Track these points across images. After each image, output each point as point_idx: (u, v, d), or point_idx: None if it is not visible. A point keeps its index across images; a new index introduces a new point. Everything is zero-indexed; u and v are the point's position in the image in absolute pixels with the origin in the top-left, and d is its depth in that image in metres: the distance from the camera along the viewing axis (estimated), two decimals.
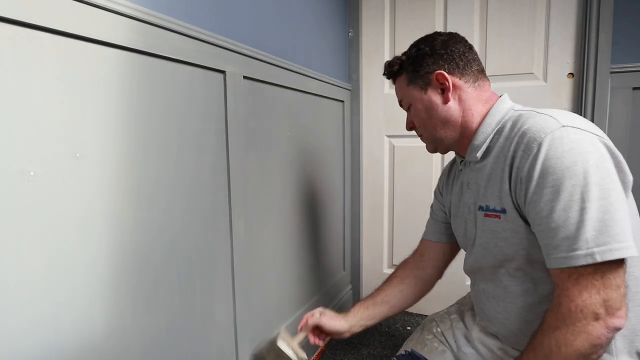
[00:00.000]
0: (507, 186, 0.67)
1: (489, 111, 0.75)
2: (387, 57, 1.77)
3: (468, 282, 0.92)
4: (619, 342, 0.66)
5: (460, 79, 0.76)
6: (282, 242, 1.28)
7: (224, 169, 0.97)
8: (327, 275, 1.67)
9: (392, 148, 1.83)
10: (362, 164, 1.88)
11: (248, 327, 1.08)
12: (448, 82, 0.75)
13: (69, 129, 0.61)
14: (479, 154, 0.74)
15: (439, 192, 1.00)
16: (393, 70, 0.84)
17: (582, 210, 0.56)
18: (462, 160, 0.83)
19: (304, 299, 1.46)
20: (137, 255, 0.74)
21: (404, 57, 0.82)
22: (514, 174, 0.65)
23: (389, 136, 1.83)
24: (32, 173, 0.56)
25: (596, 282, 0.56)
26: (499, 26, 1.58)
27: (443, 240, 0.97)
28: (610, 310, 0.56)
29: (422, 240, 1.03)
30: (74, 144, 0.62)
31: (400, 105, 0.87)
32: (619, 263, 0.57)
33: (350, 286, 1.92)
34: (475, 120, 0.76)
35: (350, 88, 1.82)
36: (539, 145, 0.60)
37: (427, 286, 0.99)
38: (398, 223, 1.86)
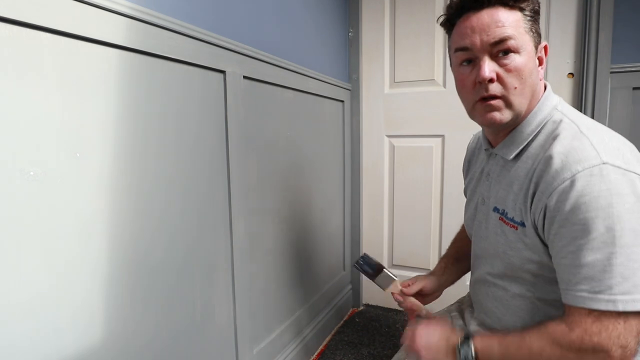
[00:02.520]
0: (528, 203, 0.63)
1: (537, 104, 0.68)
2: (387, 57, 1.77)
3: (468, 281, 0.92)
4: None
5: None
6: (282, 242, 1.28)
7: (224, 168, 0.97)
8: (327, 275, 1.67)
9: (392, 148, 1.83)
10: (362, 164, 1.88)
11: (248, 327, 1.08)
12: (546, 57, 0.69)
13: (69, 129, 0.61)
14: (511, 155, 0.69)
15: (465, 166, 0.94)
16: None
17: (611, 254, 0.54)
18: (487, 149, 0.76)
19: (304, 299, 1.46)
20: (137, 255, 0.74)
21: None
22: (537, 197, 0.62)
23: (389, 136, 1.83)
24: (32, 173, 0.56)
25: (619, 325, 0.55)
26: None
27: None
28: (624, 356, 0.55)
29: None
30: (74, 144, 0.62)
31: (494, 44, 0.63)
32: None
33: (350, 286, 1.92)
34: (529, 109, 0.68)
35: (350, 88, 1.82)
36: (573, 179, 0.56)
37: None
38: (398, 223, 1.86)
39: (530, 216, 0.64)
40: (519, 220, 0.66)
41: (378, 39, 1.78)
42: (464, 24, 0.66)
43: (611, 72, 1.40)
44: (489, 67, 0.64)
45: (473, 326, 0.87)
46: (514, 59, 0.64)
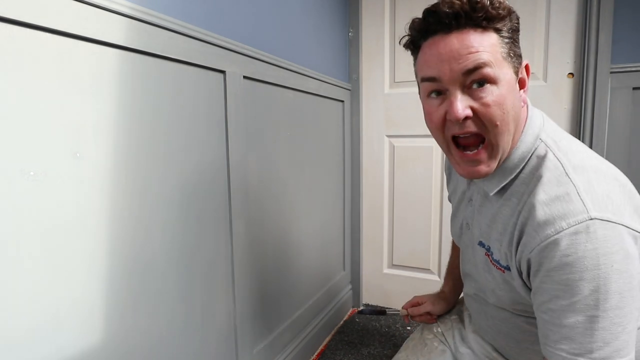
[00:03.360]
0: (513, 250, 0.59)
1: (521, 134, 0.60)
2: (387, 58, 1.77)
3: None
4: None
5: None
6: (282, 242, 1.28)
7: (224, 168, 0.97)
8: (327, 275, 1.67)
9: (392, 148, 1.83)
10: (362, 164, 1.88)
11: (248, 327, 1.08)
12: (528, 77, 0.60)
13: (69, 128, 0.61)
14: (494, 192, 0.63)
15: (447, 173, 0.92)
16: (491, 15, 0.54)
17: (594, 318, 0.51)
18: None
19: (304, 299, 1.46)
20: (137, 255, 0.74)
21: (513, 11, 0.57)
22: (521, 247, 0.57)
23: (389, 136, 1.83)
24: (32, 173, 0.56)
25: None
26: None
27: None
28: None
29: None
30: (74, 144, 0.62)
31: (467, 73, 0.54)
32: None
33: (350, 286, 1.92)
34: (512, 144, 0.60)
35: (350, 88, 1.82)
36: (557, 238, 0.52)
37: None
38: (398, 223, 1.86)
39: (515, 263, 0.60)
40: (505, 264, 0.62)
41: (378, 39, 1.78)
42: (430, 50, 0.57)
43: (611, 72, 1.40)
44: (462, 104, 0.54)
45: (471, 333, 0.88)
46: (491, 91, 0.54)
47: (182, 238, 0.85)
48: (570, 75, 1.51)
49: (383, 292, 1.93)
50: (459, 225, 0.80)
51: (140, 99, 0.74)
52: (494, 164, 0.59)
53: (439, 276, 1.81)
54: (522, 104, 0.59)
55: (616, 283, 0.50)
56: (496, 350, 0.80)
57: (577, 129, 1.48)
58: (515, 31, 0.57)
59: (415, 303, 1.01)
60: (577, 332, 0.52)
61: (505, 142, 0.57)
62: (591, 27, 1.41)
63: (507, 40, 0.55)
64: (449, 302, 0.99)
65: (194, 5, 0.87)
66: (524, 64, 0.60)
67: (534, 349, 0.66)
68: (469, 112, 0.55)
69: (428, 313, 0.99)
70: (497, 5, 0.54)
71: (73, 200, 0.62)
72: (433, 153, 1.74)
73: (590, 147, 1.43)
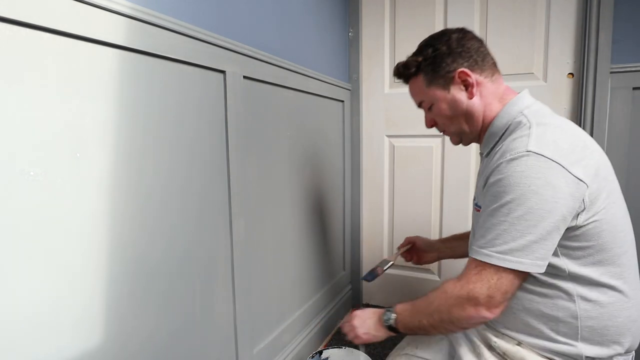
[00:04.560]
0: (482, 186, 0.75)
1: (501, 110, 0.79)
2: (387, 57, 1.77)
3: None
4: (585, 331, 0.71)
5: (480, 75, 0.79)
6: (282, 242, 1.28)
7: (224, 168, 0.97)
8: (327, 275, 1.67)
9: (392, 148, 1.83)
10: (362, 164, 1.88)
11: (248, 327, 1.08)
12: (471, 79, 0.78)
13: (69, 129, 0.61)
14: (485, 151, 0.81)
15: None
16: (409, 72, 0.84)
17: (503, 221, 0.66)
18: (480, 152, 0.89)
19: (304, 299, 1.46)
20: (137, 255, 0.74)
21: (420, 59, 0.82)
22: (487, 179, 0.73)
23: (389, 136, 1.83)
24: (32, 173, 0.56)
25: (492, 280, 0.67)
26: (499, 26, 1.57)
27: None
28: (488, 305, 0.67)
29: None
30: (74, 144, 0.62)
31: (420, 106, 0.88)
32: (517, 275, 0.66)
33: (350, 286, 1.92)
34: (491, 116, 0.80)
35: (350, 88, 1.82)
36: (500, 163, 0.68)
37: None
38: (398, 223, 1.85)
39: (482, 197, 0.74)
40: (480, 203, 0.76)
41: (378, 39, 1.78)
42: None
43: (611, 72, 1.40)
44: (427, 119, 0.88)
45: None
46: (433, 112, 0.85)
47: (182, 238, 0.85)
48: (570, 75, 1.51)
49: (383, 292, 1.93)
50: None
51: (140, 98, 0.74)
52: (456, 139, 0.88)
53: (439, 276, 1.81)
54: (471, 96, 0.79)
55: (529, 200, 0.63)
56: (486, 327, 0.86)
57: None
58: (435, 58, 0.80)
59: (407, 243, 1.15)
60: (489, 230, 0.67)
61: (464, 128, 0.83)
62: (591, 27, 1.41)
63: (429, 70, 0.81)
64: (435, 243, 1.14)
65: (194, 5, 0.87)
66: (454, 73, 0.78)
67: (514, 315, 0.77)
68: (432, 123, 0.88)
69: (415, 248, 1.13)
70: (407, 66, 0.84)
71: (73, 200, 0.62)
72: (433, 153, 1.74)
73: None
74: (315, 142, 1.50)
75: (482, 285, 0.67)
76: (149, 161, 0.76)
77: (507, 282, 0.66)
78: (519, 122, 0.74)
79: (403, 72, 0.85)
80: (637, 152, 1.39)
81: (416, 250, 1.13)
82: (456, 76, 0.78)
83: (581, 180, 0.65)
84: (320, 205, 1.57)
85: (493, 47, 1.58)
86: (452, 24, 1.64)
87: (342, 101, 1.74)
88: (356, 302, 1.95)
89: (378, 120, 1.83)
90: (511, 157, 0.66)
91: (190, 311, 0.88)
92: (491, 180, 0.69)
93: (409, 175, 1.80)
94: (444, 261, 1.74)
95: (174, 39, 0.79)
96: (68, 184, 0.61)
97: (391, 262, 1.10)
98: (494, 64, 0.82)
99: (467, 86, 0.79)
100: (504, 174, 0.66)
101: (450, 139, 0.88)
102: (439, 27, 1.68)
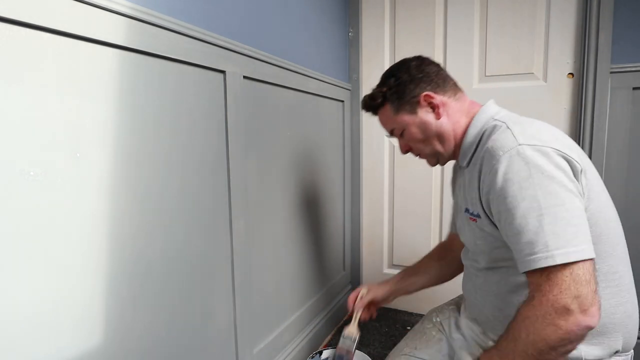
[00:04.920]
0: (477, 195, 0.73)
1: (470, 122, 0.81)
2: (387, 57, 1.77)
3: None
4: None
5: (444, 96, 0.82)
6: (282, 242, 1.28)
7: (224, 168, 0.97)
8: (327, 275, 1.67)
9: (392, 148, 1.83)
10: (362, 164, 1.88)
11: (248, 327, 1.08)
12: (436, 100, 0.81)
13: (69, 129, 0.61)
14: (465, 163, 0.81)
15: (452, 183, 1.03)
16: (376, 103, 0.87)
17: (540, 216, 0.61)
18: (455, 165, 0.91)
19: (304, 299, 1.46)
20: (137, 255, 0.74)
21: (384, 89, 0.85)
22: (481, 186, 0.71)
23: (389, 136, 1.83)
24: (32, 173, 0.56)
25: (566, 278, 0.59)
26: (499, 26, 1.58)
27: None
28: (582, 307, 0.58)
29: (449, 232, 1.10)
30: (74, 144, 0.62)
31: (391, 134, 0.89)
32: (585, 261, 0.59)
33: (350, 286, 1.92)
34: (462, 131, 0.82)
35: (350, 88, 1.82)
36: (497, 162, 0.66)
37: (461, 268, 1.04)
38: (398, 223, 1.86)
39: (483, 206, 0.72)
40: (476, 212, 0.75)
41: (378, 39, 1.78)
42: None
43: (611, 72, 1.39)
44: (400, 145, 0.90)
45: (464, 320, 0.94)
46: (405, 137, 0.86)
47: (182, 238, 0.85)
48: (570, 75, 1.51)
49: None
50: (457, 216, 0.91)
51: (140, 98, 0.74)
52: (433, 161, 0.88)
53: None
54: (438, 117, 0.82)
55: (550, 185, 0.61)
56: (484, 332, 0.86)
57: (577, 129, 1.48)
58: (398, 86, 0.83)
59: (357, 295, 1.07)
60: (532, 233, 0.61)
61: (437, 149, 0.84)
62: (591, 27, 1.41)
63: (395, 99, 0.84)
64: (390, 288, 1.05)
65: (194, 5, 0.87)
66: (419, 97, 0.81)
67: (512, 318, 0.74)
68: (407, 148, 0.89)
69: (372, 302, 1.06)
70: (373, 97, 0.87)
71: (73, 200, 0.62)
72: None
73: (590, 147, 1.43)
74: (315, 142, 1.50)
75: (559, 290, 0.58)
76: (149, 161, 0.76)
77: (583, 272, 0.59)
78: (494, 126, 0.75)
79: (370, 104, 0.88)
80: (637, 152, 1.39)
81: (374, 305, 1.07)
82: (421, 100, 0.81)
83: (576, 161, 0.65)
84: (320, 205, 1.57)
85: (492, 47, 1.60)
86: (452, 24, 1.65)
87: (342, 101, 1.74)
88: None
89: (378, 120, 1.83)
90: (505, 154, 0.65)
91: (190, 311, 0.88)
92: (497, 184, 0.66)
93: (409, 175, 1.80)
94: None
95: (174, 39, 0.79)
96: (68, 184, 0.61)
97: (357, 336, 1.03)
98: (455, 84, 0.85)
99: (434, 107, 0.81)
100: (509, 172, 0.64)
101: (427, 161, 0.89)
102: (439, 28, 1.69)
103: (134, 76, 0.72)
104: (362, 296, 1.05)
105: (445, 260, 1.06)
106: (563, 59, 1.50)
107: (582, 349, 0.70)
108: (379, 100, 0.86)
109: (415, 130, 0.84)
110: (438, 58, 1.68)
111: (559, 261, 0.58)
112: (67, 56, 0.60)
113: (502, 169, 0.65)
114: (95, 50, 0.65)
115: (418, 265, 1.08)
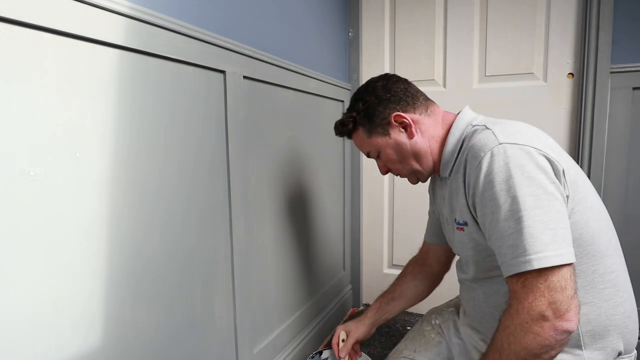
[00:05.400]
0: (464, 200, 0.72)
1: (448, 132, 0.80)
2: (387, 57, 1.77)
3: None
4: (586, 337, 0.69)
5: (414, 113, 0.81)
6: (282, 242, 1.28)
7: (223, 168, 0.97)
8: (327, 275, 1.67)
9: None
10: (362, 163, 1.88)
11: (248, 327, 1.08)
12: (407, 120, 0.80)
13: (69, 129, 0.61)
14: (447, 173, 0.80)
15: (431, 193, 1.01)
16: (348, 128, 0.87)
17: (520, 219, 0.60)
18: (435, 176, 0.90)
19: (304, 299, 1.46)
20: (137, 255, 0.74)
21: (354, 114, 0.85)
22: (467, 189, 0.70)
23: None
24: (32, 173, 0.56)
25: (541, 285, 0.58)
26: (499, 27, 1.58)
27: (440, 242, 1.01)
28: (557, 313, 0.57)
29: (424, 242, 1.07)
30: (74, 144, 0.62)
31: (368, 156, 0.89)
32: (562, 266, 0.58)
33: (350, 286, 1.92)
34: (439, 144, 0.81)
35: (350, 88, 1.82)
36: (480, 163, 0.65)
37: (437, 279, 1.05)
38: (398, 223, 1.86)
39: (471, 211, 0.71)
40: (462, 221, 0.74)
41: (378, 39, 1.78)
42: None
43: (611, 72, 1.40)
44: (379, 167, 0.89)
45: (463, 326, 0.94)
46: (382, 159, 0.86)
47: (182, 238, 0.85)
48: (570, 75, 1.51)
49: None
50: (445, 226, 0.89)
51: (140, 99, 0.74)
52: (414, 179, 0.87)
53: None
54: (411, 136, 0.80)
55: (529, 187, 0.60)
56: (484, 340, 0.85)
57: (577, 129, 1.48)
58: (367, 110, 0.82)
59: (338, 341, 1.02)
60: (513, 236, 0.60)
61: (415, 167, 0.83)
62: (591, 27, 1.41)
63: (366, 124, 0.83)
64: (370, 323, 1.02)
65: (194, 5, 0.87)
66: (390, 118, 0.80)
67: None
68: (386, 169, 0.88)
69: (358, 345, 1.02)
70: (344, 123, 0.86)
71: (73, 200, 0.62)
72: None
73: (590, 147, 1.43)
74: (315, 142, 1.50)
75: (535, 297, 0.58)
76: (149, 161, 0.76)
77: (558, 279, 0.58)
78: (474, 130, 0.74)
79: (342, 130, 0.88)
80: (637, 152, 1.39)
81: (357, 343, 1.03)
82: (392, 120, 0.80)
83: (557, 161, 0.64)
84: (320, 204, 1.57)
85: (492, 47, 1.60)
86: (452, 25, 1.65)
87: (342, 101, 1.74)
88: (356, 302, 1.95)
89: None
90: (486, 154, 0.64)
91: (190, 311, 0.88)
92: (479, 187, 0.65)
93: None
94: None
95: (173, 39, 0.79)
96: (68, 184, 0.61)
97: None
98: (426, 98, 0.84)
99: (405, 127, 0.81)
100: (490, 173, 0.63)
101: (408, 179, 0.88)
102: (439, 28, 1.69)
103: (134, 76, 0.72)
104: (343, 340, 1.01)
105: (418, 277, 1.03)
106: (563, 59, 1.50)
107: (584, 355, 0.69)
108: (350, 126, 0.86)
109: (390, 152, 0.83)
110: (438, 58, 1.68)
111: (535, 265, 0.58)
112: (67, 56, 0.60)
113: (484, 169, 0.64)
114: (95, 50, 0.65)
115: (392, 289, 1.05)
